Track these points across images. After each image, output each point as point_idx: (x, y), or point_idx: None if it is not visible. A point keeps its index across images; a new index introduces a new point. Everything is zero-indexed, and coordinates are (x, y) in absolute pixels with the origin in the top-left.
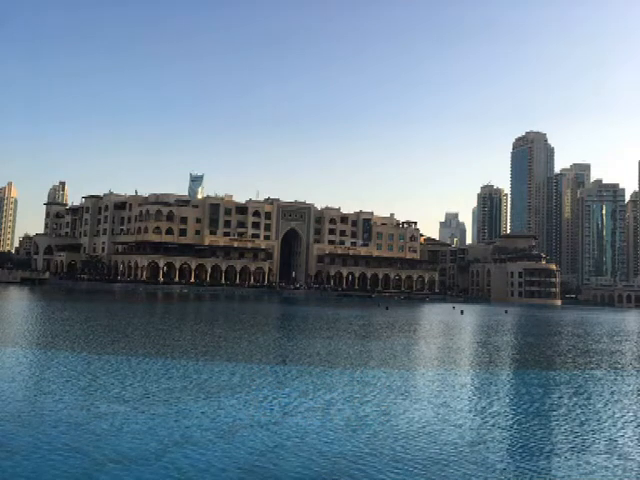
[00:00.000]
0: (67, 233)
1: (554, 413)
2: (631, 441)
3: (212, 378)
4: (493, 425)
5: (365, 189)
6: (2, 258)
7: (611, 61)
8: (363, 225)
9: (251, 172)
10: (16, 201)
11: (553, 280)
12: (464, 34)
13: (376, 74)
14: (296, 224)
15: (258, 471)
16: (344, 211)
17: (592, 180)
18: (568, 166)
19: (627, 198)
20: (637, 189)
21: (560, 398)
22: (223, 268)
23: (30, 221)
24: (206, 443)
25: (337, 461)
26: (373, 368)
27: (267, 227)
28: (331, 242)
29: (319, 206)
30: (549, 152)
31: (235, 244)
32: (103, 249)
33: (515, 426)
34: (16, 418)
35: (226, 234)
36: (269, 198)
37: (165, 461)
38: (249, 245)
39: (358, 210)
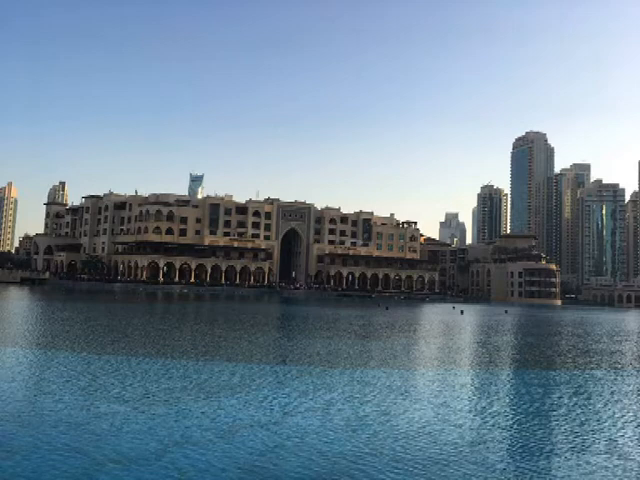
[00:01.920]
0: (67, 233)
1: (554, 413)
2: (631, 441)
3: (212, 378)
4: (493, 425)
5: (365, 189)
6: (2, 258)
7: (611, 61)
8: (363, 225)
9: (251, 172)
10: (16, 201)
11: (553, 280)
12: (464, 34)
13: (376, 74)
14: (296, 224)
15: (258, 471)
16: (344, 211)
17: (592, 180)
18: (568, 166)
19: (627, 198)
20: (637, 189)
21: (560, 398)
22: (223, 268)
23: (30, 221)
24: (206, 443)
25: (337, 461)
26: (373, 368)
27: (267, 227)
28: (331, 242)
29: (319, 206)
30: (549, 152)
31: (235, 244)
32: (103, 249)
33: (515, 426)
34: (16, 418)
35: (226, 234)
36: (269, 198)
37: (165, 461)
38: (249, 245)
39: (358, 210)
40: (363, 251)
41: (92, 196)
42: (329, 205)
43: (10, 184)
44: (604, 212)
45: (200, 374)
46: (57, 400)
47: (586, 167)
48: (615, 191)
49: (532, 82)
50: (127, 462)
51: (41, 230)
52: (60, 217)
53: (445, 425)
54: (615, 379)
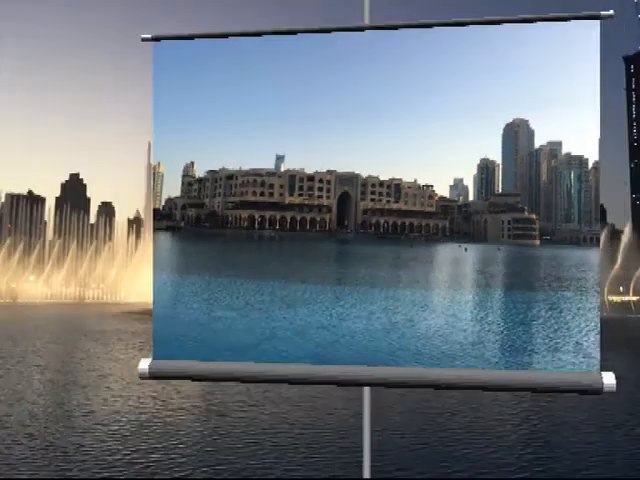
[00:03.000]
0: (195, 196)
1: (534, 323)
2: (593, 344)
3: (290, 294)
4: (488, 330)
5: (398, 160)
6: (155, 212)
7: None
8: (395, 188)
9: (320, 151)
10: (162, 175)
11: (534, 226)
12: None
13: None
14: (348, 188)
15: (321, 359)
16: (381, 178)
17: (563, 153)
18: (545, 143)
19: (590, 166)
20: (597, 159)
21: (539, 312)
22: (298, 219)
23: (172, 187)
24: (286, 339)
25: (375, 353)
26: (402, 289)
27: (328, 190)
28: (372, 200)
29: (364, 174)
30: (530, 134)
31: (306, 202)
32: (219, 206)
33: (505, 331)
34: (161, 319)
35: (300, 195)
36: (329, 170)
37: (259, 350)
38: (315, 202)
39: (391, 177)
40: (395, 206)
41: (211, 171)
42: (371, 174)
43: (159, 163)
44: (572, 177)
45: (282, 291)
46: (188, 308)
47: (559, 144)
48: (581, 161)
49: (519, 83)
50: (235, 350)
51: (178, 194)
52: (190, 185)
53: (453, 330)
54: (580, 299)
